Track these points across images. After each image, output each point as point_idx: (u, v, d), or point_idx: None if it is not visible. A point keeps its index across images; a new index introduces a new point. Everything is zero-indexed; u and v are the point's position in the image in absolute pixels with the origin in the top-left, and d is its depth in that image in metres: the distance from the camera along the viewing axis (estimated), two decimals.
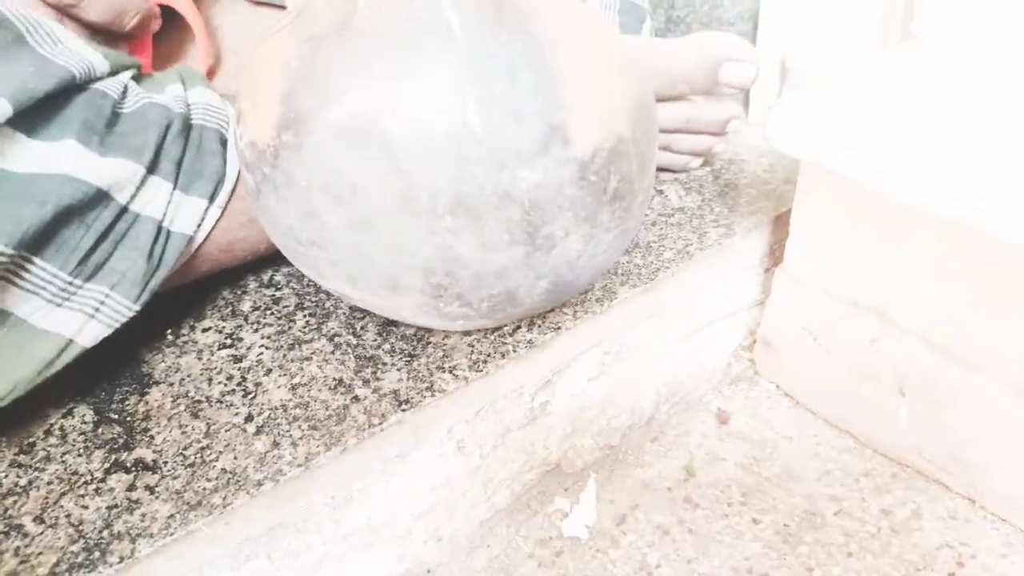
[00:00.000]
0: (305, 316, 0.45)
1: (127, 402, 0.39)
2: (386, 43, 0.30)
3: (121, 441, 0.37)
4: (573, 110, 0.31)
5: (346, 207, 0.31)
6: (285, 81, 0.32)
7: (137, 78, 0.38)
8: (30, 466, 0.36)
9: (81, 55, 0.34)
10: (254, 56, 0.34)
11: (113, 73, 0.36)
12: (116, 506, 0.34)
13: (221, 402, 0.39)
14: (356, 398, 0.39)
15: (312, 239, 0.33)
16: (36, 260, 0.33)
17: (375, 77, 0.30)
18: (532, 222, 0.32)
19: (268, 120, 0.32)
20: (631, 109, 0.34)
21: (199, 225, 0.39)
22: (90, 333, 0.35)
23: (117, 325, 0.36)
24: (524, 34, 0.31)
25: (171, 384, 0.40)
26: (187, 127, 0.38)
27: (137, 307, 0.37)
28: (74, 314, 0.35)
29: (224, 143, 0.40)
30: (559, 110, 0.31)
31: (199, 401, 0.39)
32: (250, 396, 0.39)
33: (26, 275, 0.33)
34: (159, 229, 0.37)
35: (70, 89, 0.33)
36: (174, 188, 0.37)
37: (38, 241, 0.33)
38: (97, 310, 0.35)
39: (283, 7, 0.51)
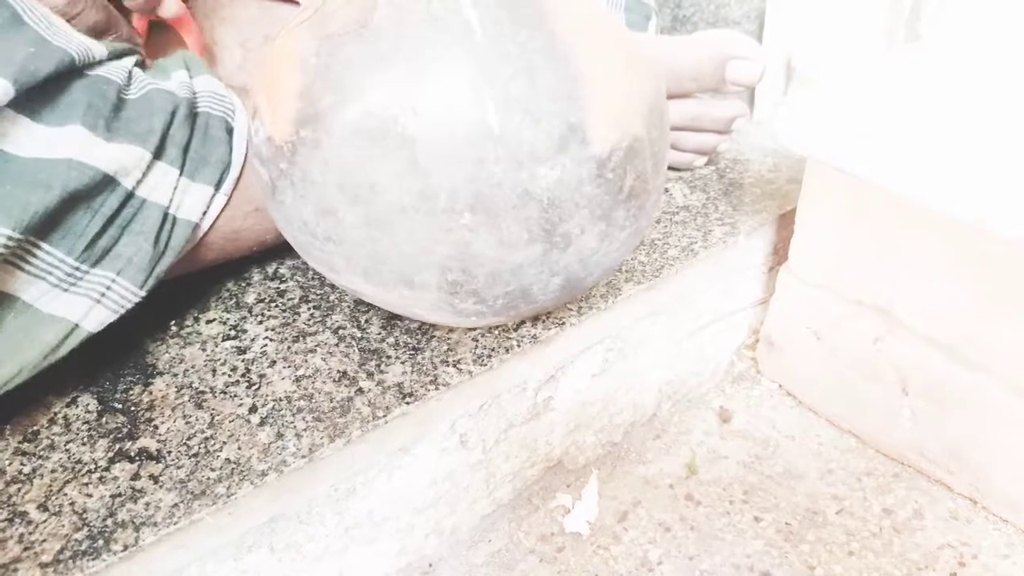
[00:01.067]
0: (310, 309, 0.45)
1: (131, 392, 0.39)
2: (406, 41, 0.30)
3: (125, 430, 0.37)
4: (591, 109, 0.31)
5: (364, 204, 0.31)
6: (303, 78, 0.31)
7: (141, 65, 0.38)
8: (34, 454, 0.36)
9: (78, 39, 0.34)
10: (270, 51, 0.34)
11: (114, 57, 0.36)
12: (120, 495, 0.34)
13: (225, 393, 0.39)
14: (360, 390, 0.39)
15: (328, 235, 0.33)
16: (43, 245, 0.33)
17: (395, 76, 0.30)
18: (550, 220, 0.32)
19: (285, 116, 0.32)
20: (647, 108, 0.34)
21: (204, 212, 0.39)
22: (96, 318, 0.35)
23: (122, 311, 0.36)
24: (543, 33, 0.31)
25: (175, 375, 0.40)
26: (193, 114, 0.38)
27: (143, 293, 0.37)
28: (80, 299, 0.35)
29: (230, 131, 0.40)
30: (577, 110, 0.31)
31: (203, 392, 0.39)
32: (254, 387, 0.39)
33: (33, 260, 0.33)
34: (165, 215, 0.37)
35: (71, 73, 0.33)
36: (180, 174, 0.37)
37: (45, 226, 0.33)
38: (103, 295, 0.35)
39: (295, 1, 0.51)
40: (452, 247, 0.32)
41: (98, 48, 0.35)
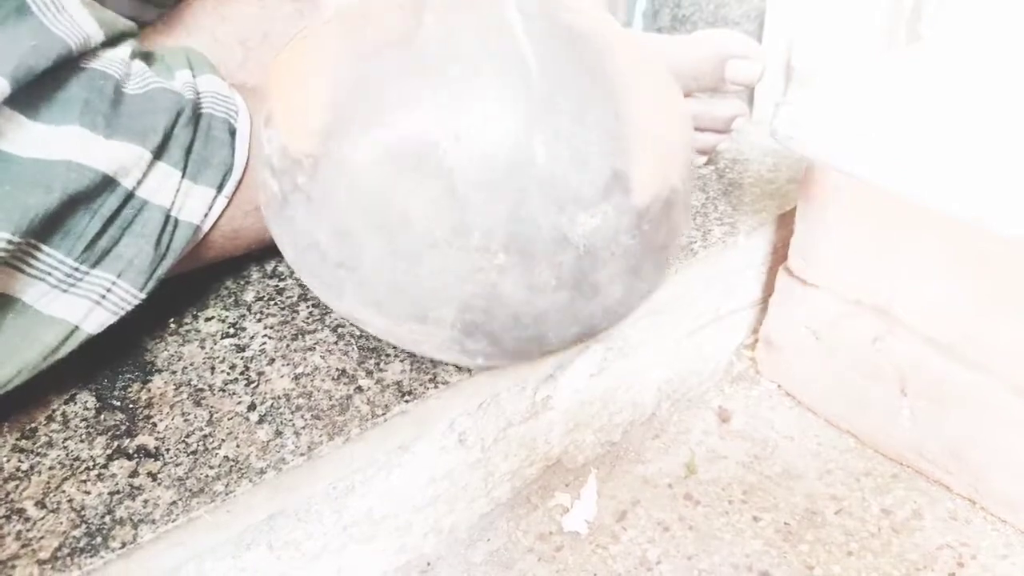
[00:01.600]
0: (308, 306, 0.45)
1: (129, 389, 0.39)
2: (454, 65, 0.28)
3: (123, 428, 0.37)
4: (636, 157, 0.30)
5: (390, 233, 0.29)
6: (333, 88, 0.29)
7: (146, 57, 0.38)
8: (32, 451, 0.36)
9: (79, 25, 0.33)
10: (292, 54, 0.32)
11: (110, 43, 0.35)
12: (118, 492, 0.34)
13: (224, 391, 0.39)
14: (359, 388, 0.39)
15: (341, 260, 0.31)
16: (43, 247, 0.33)
17: (439, 99, 0.28)
18: (582, 268, 0.31)
19: (309, 127, 0.30)
20: (684, 159, 0.33)
21: (206, 214, 0.39)
22: (96, 320, 0.35)
23: (122, 313, 0.36)
24: (597, 71, 0.29)
25: (174, 372, 0.40)
26: (197, 115, 0.38)
27: (143, 295, 0.37)
28: (80, 300, 0.35)
29: (232, 133, 0.39)
30: (624, 155, 0.30)
31: (201, 389, 0.39)
32: (253, 385, 0.39)
33: (33, 261, 0.33)
34: (167, 218, 0.37)
35: (68, 63, 0.33)
36: (183, 176, 0.37)
37: (44, 228, 0.33)
38: (103, 297, 0.35)
39: None
40: (478, 287, 0.30)
41: (96, 32, 0.34)
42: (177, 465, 0.35)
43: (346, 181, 0.29)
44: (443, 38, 0.29)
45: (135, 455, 0.35)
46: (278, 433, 0.36)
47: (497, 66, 0.28)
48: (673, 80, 0.35)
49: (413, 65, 0.29)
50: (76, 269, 0.34)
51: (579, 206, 0.29)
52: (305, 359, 0.41)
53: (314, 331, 0.43)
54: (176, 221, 0.37)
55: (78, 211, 0.34)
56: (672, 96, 0.33)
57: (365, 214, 0.29)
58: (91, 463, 0.35)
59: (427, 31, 0.29)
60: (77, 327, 0.35)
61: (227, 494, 0.34)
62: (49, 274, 0.34)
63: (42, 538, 0.32)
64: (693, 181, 0.35)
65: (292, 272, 0.48)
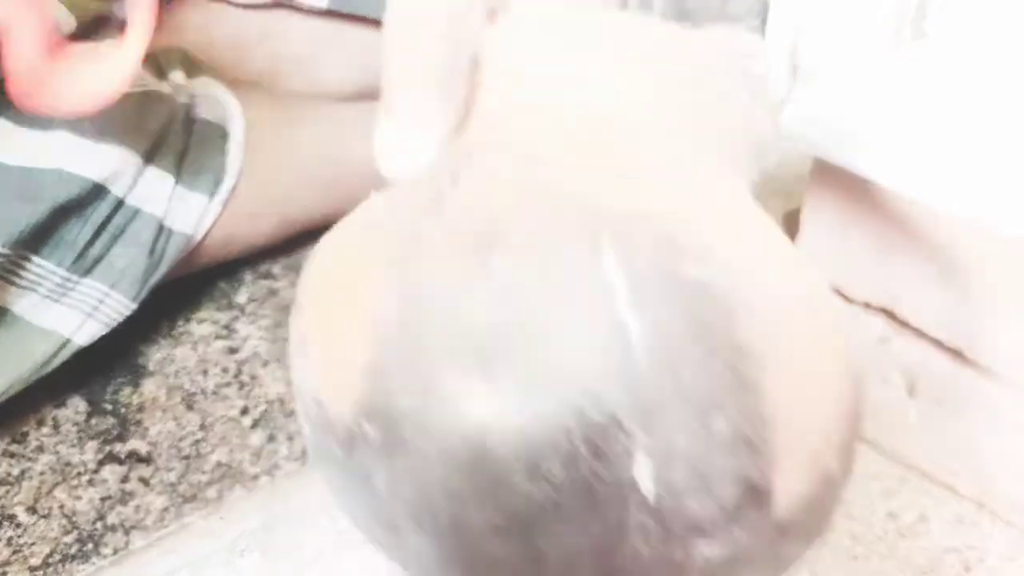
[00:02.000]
0: None
1: (121, 393, 0.39)
2: (523, 341, 0.22)
3: (115, 432, 0.37)
4: (779, 457, 0.23)
5: (440, 543, 0.23)
6: (376, 347, 0.23)
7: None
8: (23, 456, 0.35)
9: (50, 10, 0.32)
10: (332, 265, 0.26)
11: (86, 34, 0.34)
12: (110, 497, 0.33)
13: (216, 395, 0.39)
14: None
15: (384, 541, 0.26)
16: (33, 257, 0.33)
17: (506, 390, 0.22)
18: None
19: (346, 395, 0.24)
20: (843, 428, 0.25)
21: (200, 222, 0.38)
22: (88, 332, 0.35)
23: (114, 323, 0.36)
24: (729, 350, 0.22)
25: (166, 376, 0.40)
26: (190, 120, 0.37)
27: (135, 305, 0.36)
28: (72, 312, 0.34)
29: (225, 138, 0.39)
30: (762, 461, 0.22)
31: (194, 393, 0.39)
32: (246, 389, 0.39)
33: (23, 272, 0.33)
34: (160, 227, 0.36)
35: None
36: (176, 183, 0.36)
37: (35, 238, 0.32)
38: (96, 309, 0.35)
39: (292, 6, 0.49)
40: None
41: (66, 17, 0.33)
42: (169, 470, 0.35)
43: (387, 471, 0.24)
44: (514, 296, 0.22)
45: (127, 460, 0.35)
46: (271, 438, 0.36)
47: (588, 350, 0.21)
48: (834, 310, 0.27)
49: (473, 333, 0.22)
50: (67, 279, 0.34)
51: (698, 534, 0.23)
52: None
53: None
54: (170, 231, 0.37)
55: (69, 220, 0.33)
56: (824, 337, 0.26)
57: (409, 513, 0.24)
58: (82, 468, 0.35)
59: (495, 282, 0.22)
60: (69, 340, 0.35)
61: (220, 500, 0.33)
62: (40, 284, 0.33)
63: (33, 544, 0.32)
64: (857, 439, 0.26)
65: (285, 273, 0.47)
